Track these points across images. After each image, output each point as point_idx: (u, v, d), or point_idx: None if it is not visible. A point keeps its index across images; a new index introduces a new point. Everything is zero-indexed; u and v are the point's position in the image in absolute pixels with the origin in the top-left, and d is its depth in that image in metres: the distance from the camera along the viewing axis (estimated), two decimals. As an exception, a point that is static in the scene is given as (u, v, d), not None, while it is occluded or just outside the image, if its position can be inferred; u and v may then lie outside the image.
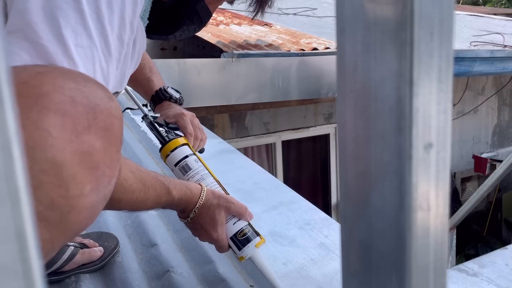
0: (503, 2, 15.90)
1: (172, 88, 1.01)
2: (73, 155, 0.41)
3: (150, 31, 0.78)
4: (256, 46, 2.95)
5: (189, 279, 0.85)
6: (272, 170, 3.75)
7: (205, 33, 3.09)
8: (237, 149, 1.73)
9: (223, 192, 0.81)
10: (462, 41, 3.76)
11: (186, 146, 0.86)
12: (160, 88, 0.99)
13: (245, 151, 3.56)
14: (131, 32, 0.57)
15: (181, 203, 0.72)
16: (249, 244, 0.77)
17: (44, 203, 0.39)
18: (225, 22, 3.68)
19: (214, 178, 0.84)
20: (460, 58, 3.06)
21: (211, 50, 3.40)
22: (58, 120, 0.41)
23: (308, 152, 4.08)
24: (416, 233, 0.21)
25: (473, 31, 4.47)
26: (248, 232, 0.78)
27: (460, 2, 14.91)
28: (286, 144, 3.86)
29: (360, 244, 0.24)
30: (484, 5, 14.76)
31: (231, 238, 0.77)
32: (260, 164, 2.68)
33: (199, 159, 0.85)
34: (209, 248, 0.94)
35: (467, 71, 3.20)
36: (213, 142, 1.76)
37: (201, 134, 0.95)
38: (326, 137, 4.04)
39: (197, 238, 0.79)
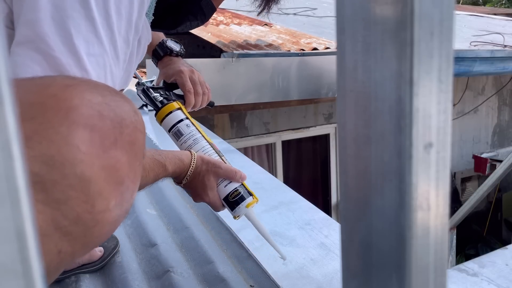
0: (503, 2, 15.89)
1: (172, 40, 0.99)
2: (100, 171, 0.41)
3: (152, 26, 0.79)
4: (256, 46, 2.95)
5: (189, 279, 0.85)
6: (272, 170, 3.75)
7: (205, 33, 3.09)
8: (237, 149, 1.73)
9: (216, 155, 0.85)
10: (462, 41, 3.76)
11: (179, 111, 0.86)
12: (160, 42, 0.97)
13: (245, 151, 3.55)
14: (136, 33, 0.58)
15: (175, 174, 0.78)
16: (240, 205, 0.82)
17: (69, 218, 0.39)
18: (225, 22, 3.68)
19: (207, 141, 0.86)
20: (460, 58, 3.05)
21: (211, 50, 3.40)
22: (87, 135, 0.41)
23: (308, 152, 4.08)
24: (416, 233, 0.21)
25: (473, 31, 4.47)
26: (239, 193, 0.82)
27: (460, 2, 14.90)
28: (286, 144, 3.85)
29: (360, 244, 0.24)
30: (484, 5, 14.74)
31: (224, 199, 0.82)
32: (260, 164, 2.68)
33: (192, 123, 0.86)
34: (209, 248, 0.94)
35: (467, 71, 3.20)
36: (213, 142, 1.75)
37: (202, 88, 0.94)
38: (326, 137, 4.04)
39: (197, 238, 0.80)
